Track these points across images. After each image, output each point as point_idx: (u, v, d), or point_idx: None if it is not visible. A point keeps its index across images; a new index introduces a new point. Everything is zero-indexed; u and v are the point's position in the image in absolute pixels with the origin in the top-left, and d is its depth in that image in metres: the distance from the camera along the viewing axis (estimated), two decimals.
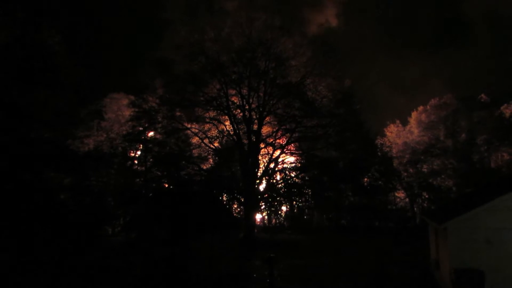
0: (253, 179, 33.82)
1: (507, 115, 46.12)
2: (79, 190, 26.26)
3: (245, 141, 34.36)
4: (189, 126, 34.75)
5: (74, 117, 31.50)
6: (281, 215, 49.41)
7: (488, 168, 45.91)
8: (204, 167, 36.12)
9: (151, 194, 32.33)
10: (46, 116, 23.97)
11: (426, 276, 19.30)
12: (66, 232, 22.03)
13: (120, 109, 43.66)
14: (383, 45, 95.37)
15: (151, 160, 36.97)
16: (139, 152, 39.53)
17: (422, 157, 47.49)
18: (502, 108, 46.93)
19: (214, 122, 34.78)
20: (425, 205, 47.18)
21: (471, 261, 13.64)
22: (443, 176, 47.05)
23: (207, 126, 35.14)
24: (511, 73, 76.26)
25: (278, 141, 35.64)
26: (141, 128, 34.54)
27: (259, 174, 35.04)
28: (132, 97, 36.90)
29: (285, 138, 35.52)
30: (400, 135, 52.00)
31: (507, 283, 13.46)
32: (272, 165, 35.46)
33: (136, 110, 33.98)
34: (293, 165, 36.89)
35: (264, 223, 49.39)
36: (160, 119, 34.02)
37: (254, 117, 34.02)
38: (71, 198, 26.01)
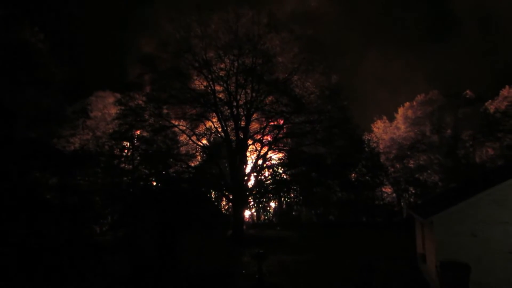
0: (241, 176, 33.83)
1: (492, 111, 46.82)
2: (65, 190, 26.00)
3: (233, 138, 34.31)
4: (176, 123, 34.55)
5: (59, 116, 31.17)
6: (269, 212, 49.50)
7: (473, 163, 46.52)
8: (192, 165, 35.99)
9: (139, 192, 32.14)
10: (30, 115, 23.66)
11: (412, 269, 19.55)
12: (53, 232, 21.80)
13: (106, 107, 43.22)
14: (370, 41, 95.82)
15: (138, 158, 36.71)
16: (126, 151, 39.20)
17: (409, 153, 47.91)
18: (486, 104, 47.63)
19: (201, 119, 34.63)
20: (411, 200, 47.63)
21: (457, 254, 13.85)
22: (429, 171, 47.55)
23: (194, 123, 34.97)
24: (496, 69, 77.35)
25: (266, 137, 35.65)
26: (127, 126, 34.24)
27: (247, 170, 35.05)
28: (118, 95, 36.54)
29: (273, 135, 35.56)
30: (387, 131, 52.42)
31: (491, 275, 13.71)
32: (260, 162, 35.49)
33: (123, 108, 33.66)
34: (281, 161, 36.96)
35: (252, 220, 49.42)
36: (147, 117, 33.78)
37: (242, 113, 33.98)
38: (57, 198, 25.74)
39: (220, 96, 34.23)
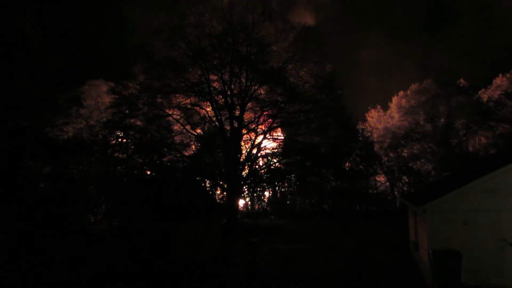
0: (235, 165, 33.83)
1: (485, 99, 47.09)
2: (59, 179, 25.88)
3: (227, 127, 34.25)
4: (170, 112, 34.42)
5: (53, 104, 30.86)
6: (264, 200, 49.73)
7: (466, 152, 46.92)
8: (187, 154, 35.92)
9: (133, 182, 32.08)
10: (23, 103, 23.42)
11: (405, 258, 19.75)
12: (47, 221, 21.73)
13: (99, 96, 42.97)
14: (365, 31, 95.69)
15: (132, 147, 36.58)
16: (120, 139, 39.06)
17: (402, 142, 48.20)
18: (480, 93, 47.92)
19: (195, 108, 34.51)
20: (405, 188, 48.04)
21: (449, 242, 13.98)
22: (422, 160, 47.90)
23: (188, 112, 34.84)
24: (489, 58, 77.53)
25: (260, 126, 35.62)
26: (121, 115, 34.05)
27: (241, 160, 35.05)
28: (112, 84, 36.26)
29: (267, 124, 35.53)
30: (381, 120, 52.63)
31: (483, 263, 13.87)
32: (254, 151, 35.50)
33: (116, 97, 33.44)
34: (276, 150, 36.99)
35: (247, 209, 49.62)
36: (141, 106, 33.57)
37: (236, 102, 33.87)
38: (51, 187, 25.63)
39: (215, 85, 34.07)
